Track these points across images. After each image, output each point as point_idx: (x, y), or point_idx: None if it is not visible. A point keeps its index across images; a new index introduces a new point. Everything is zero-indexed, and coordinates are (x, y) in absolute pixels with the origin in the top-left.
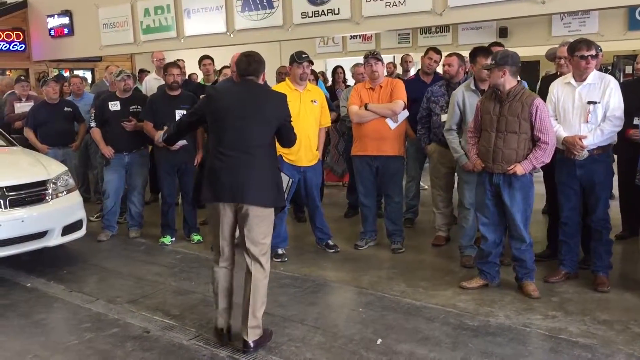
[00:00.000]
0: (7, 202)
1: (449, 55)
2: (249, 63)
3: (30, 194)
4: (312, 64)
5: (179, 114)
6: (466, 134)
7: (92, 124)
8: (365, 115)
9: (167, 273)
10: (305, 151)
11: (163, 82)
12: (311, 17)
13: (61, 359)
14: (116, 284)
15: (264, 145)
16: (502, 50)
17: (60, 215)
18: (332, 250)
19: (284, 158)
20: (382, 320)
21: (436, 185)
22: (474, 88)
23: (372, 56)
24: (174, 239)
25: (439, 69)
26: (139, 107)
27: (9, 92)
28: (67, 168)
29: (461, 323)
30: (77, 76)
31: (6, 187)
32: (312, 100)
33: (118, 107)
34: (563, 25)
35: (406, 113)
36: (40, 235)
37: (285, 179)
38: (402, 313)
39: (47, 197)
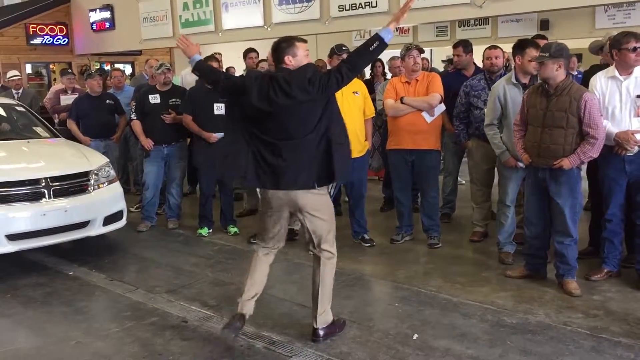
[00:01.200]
0: (51, 192)
1: (494, 47)
2: (275, 51)
3: (73, 185)
4: None
5: (217, 107)
6: (507, 128)
7: (133, 116)
8: (401, 108)
9: (204, 264)
10: (353, 143)
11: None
12: (348, 10)
13: (102, 346)
14: (155, 273)
15: (310, 131)
16: (556, 43)
17: (101, 205)
18: (368, 244)
19: None
20: (418, 315)
21: (476, 180)
22: (515, 81)
23: (415, 47)
24: (211, 230)
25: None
26: (178, 100)
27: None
28: (108, 160)
29: (499, 320)
30: (118, 69)
31: (50, 178)
32: (353, 92)
33: (158, 100)
34: (607, 17)
35: (442, 107)
36: (83, 225)
37: None
38: (439, 308)
39: (89, 188)
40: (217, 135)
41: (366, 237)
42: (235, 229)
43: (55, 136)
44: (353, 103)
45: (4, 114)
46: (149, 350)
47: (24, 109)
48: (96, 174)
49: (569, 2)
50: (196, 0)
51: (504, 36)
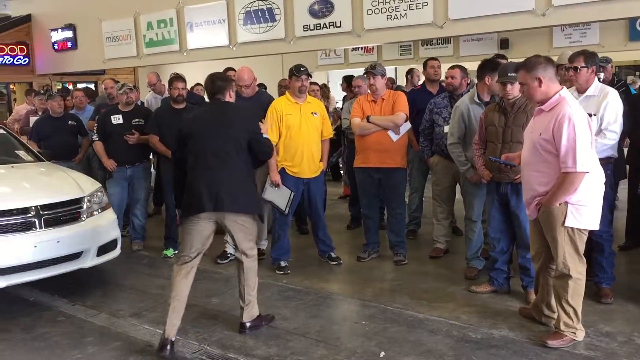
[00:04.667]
0: (42, 222)
1: (452, 67)
2: (213, 82)
3: (65, 213)
4: (311, 76)
5: None
6: (471, 146)
7: (95, 137)
8: (368, 127)
9: (168, 285)
10: (308, 163)
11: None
12: (313, 29)
13: None
14: (119, 297)
15: (239, 154)
16: (514, 64)
17: (95, 234)
18: (334, 263)
19: (286, 171)
20: (385, 332)
21: (437, 196)
22: (477, 100)
23: (371, 71)
24: (177, 251)
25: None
26: (141, 120)
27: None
28: (100, 185)
29: (464, 335)
30: (79, 89)
31: (41, 206)
32: (312, 112)
33: (120, 121)
34: (564, 36)
35: (408, 125)
36: (76, 256)
37: (286, 192)
38: (405, 325)
39: (82, 216)
40: None
41: (333, 255)
42: None
43: (40, 160)
44: (311, 123)
45: None
46: None
47: (3, 131)
48: (89, 201)
49: (527, 23)
50: (160, 20)
51: (466, 55)
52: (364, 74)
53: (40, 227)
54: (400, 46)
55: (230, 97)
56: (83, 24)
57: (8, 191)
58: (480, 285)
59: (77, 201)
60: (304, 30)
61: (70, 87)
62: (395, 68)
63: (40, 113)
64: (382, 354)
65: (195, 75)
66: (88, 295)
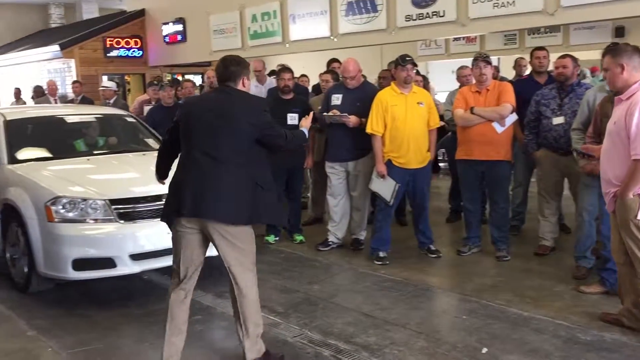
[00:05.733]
0: None
1: (563, 56)
2: (226, 67)
3: None
4: (416, 66)
5: (290, 117)
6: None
7: None
8: (471, 119)
9: (269, 270)
10: (414, 153)
11: (263, 90)
12: (415, 19)
13: None
14: (223, 279)
15: (237, 153)
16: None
17: None
18: (434, 255)
19: (393, 162)
20: (487, 328)
21: (543, 192)
22: (608, 89)
23: (482, 59)
24: (277, 238)
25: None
26: None
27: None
28: None
29: (573, 336)
30: (189, 80)
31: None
32: (418, 103)
33: None
34: None
35: (514, 117)
36: None
37: (392, 183)
38: (508, 323)
39: None
40: None
41: (432, 248)
42: (301, 237)
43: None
44: (417, 113)
45: (113, 126)
46: (220, 354)
47: (134, 120)
48: None
49: None
50: (264, 12)
51: (576, 44)
52: (474, 61)
53: None
54: (505, 35)
55: (243, 85)
56: (192, 17)
57: (142, 179)
58: (590, 285)
59: None
60: (406, 21)
61: (180, 78)
62: (499, 58)
63: (153, 102)
64: (485, 350)
65: (295, 66)
66: None
